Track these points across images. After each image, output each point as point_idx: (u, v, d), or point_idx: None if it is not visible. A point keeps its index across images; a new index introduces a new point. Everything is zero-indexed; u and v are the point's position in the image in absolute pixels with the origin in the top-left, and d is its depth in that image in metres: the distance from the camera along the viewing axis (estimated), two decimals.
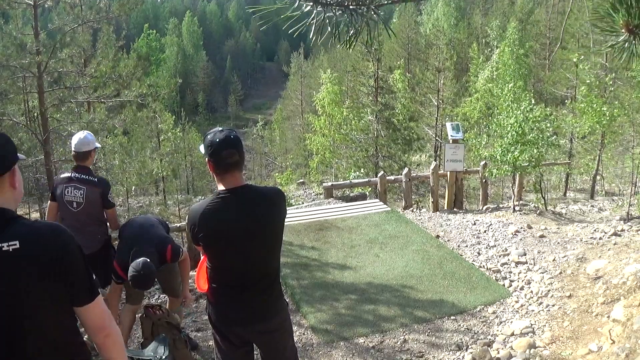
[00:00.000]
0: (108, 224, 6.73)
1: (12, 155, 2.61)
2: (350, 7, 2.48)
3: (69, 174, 6.48)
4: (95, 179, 6.53)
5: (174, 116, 40.94)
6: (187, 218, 3.98)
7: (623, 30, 2.24)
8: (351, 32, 2.54)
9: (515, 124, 12.32)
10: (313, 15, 2.46)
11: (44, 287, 2.47)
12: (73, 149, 6.49)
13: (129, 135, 28.50)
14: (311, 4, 2.45)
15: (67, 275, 2.52)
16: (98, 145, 6.76)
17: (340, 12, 2.49)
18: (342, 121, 34.56)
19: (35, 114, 20.53)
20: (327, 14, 2.48)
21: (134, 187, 30.19)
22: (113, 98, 21.55)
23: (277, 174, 22.79)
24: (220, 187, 3.77)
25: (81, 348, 2.76)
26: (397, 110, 35.62)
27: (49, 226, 2.60)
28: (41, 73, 18.12)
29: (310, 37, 2.53)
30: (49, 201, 6.68)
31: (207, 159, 3.77)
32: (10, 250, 2.38)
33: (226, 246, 3.78)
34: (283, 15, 2.57)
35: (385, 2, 2.60)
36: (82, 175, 6.44)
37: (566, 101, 31.00)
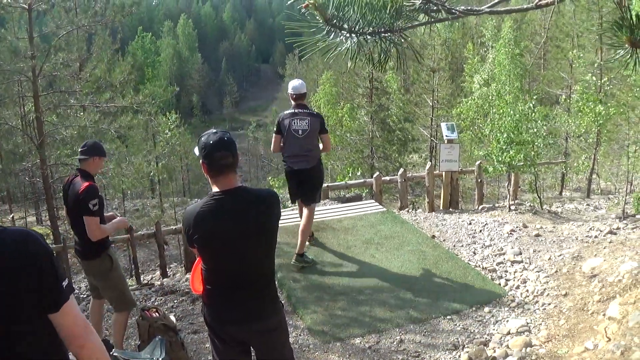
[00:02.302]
0: (321, 146, 8.78)
1: None
2: (381, 34, 2.68)
3: (292, 110, 8.56)
4: (314, 112, 8.86)
5: (175, 115, 40.89)
6: (182, 220, 4.00)
7: (627, 45, 2.55)
8: (381, 56, 2.75)
9: (512, 123, 12.35)
10: (347, 45, 2.70)
11: (14, 298, 2.39)
12: (292, 92, 8.65)
13: (124, 139, 28.49)
14: (347, 33, 2.66)
15: (36, 283, 2.43)
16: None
17: (371, 38, 2.70)
18: (337, 122, 34.57)
19: (31, 118, 20.54)
20: (359, 40, 2.68)
21: (129, 191, 30.19)
22: (108, 103, 21.55)
23: (270, 177, 22.92)
24: (215, 189, 3.79)
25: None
26: (392, 112, 35.63)
27: (17, 234, 2.50)
28: (36, 77, 18.12)
29: (348, 65, 2.74)
30: (274, 134, 8.78)
31: (201, 161, 3.79)
32: None
33: (221, 247, 3.80)
34: (320, 44, 2.72)
35: (410, 25, 2.82)
36: (304, 110, 8.57)
37: (560, 100, 31.03)
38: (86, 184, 5.78)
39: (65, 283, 2.55)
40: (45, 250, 2.51)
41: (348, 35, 2.65)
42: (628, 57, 2.59)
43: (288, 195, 9.65)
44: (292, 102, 8.67)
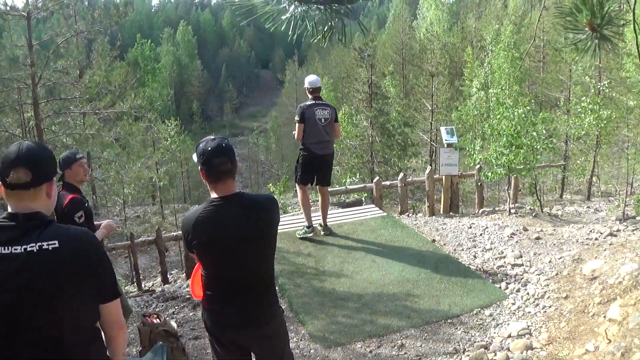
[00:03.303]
0: (334, 133, 9.76)
1: (53, 168, 2.92)
2: (326, 4, 2.56)
3: (311, 102, 9.47)
4: (329, 103, 9.93)
5: (175, 121, 40.91)
6: (181, 226, 4.00)
7: (587, 29, 2.39)
8: (326, 28, 2.61)
9: (511, 126, 12.34)
10: (290, 11, 2.52)
11: (79, 285, 2.73)
12: (309, 86, 9.60)
13: (124, 145, 28.50)
14: (292, 1, 2.55)
15: (99, 275, 2.81)
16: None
17: (315, 8, 2.57)
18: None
19: (31, 125, 20.51)
20: (303, 9, 2.54)
21: (130, 197, 30.21)
22: (108, 109, 21.53)
23: (270, 184, 23.05)
24: (213, 195, 3.80)
25: (100, 344, 3.01)
26: (391, 116, 35.62)
27: (83, 231, 2.89)
28: (35, 85, 18.10)
29: (289, 32, 2.60)
30: (297, 123, 9.43)
31: (199, 167, 3.79)
32: (50, 248, 2.62)
33: (220, 253, 3.80)
34: (261, 11, 2.63)
35: None
36: (322, 102, 9.61)
37: (558, 103, 31.00)
38: (70, 196, 5.77)
39: (114, 280, 2.98)
40: (103, 247, 2.98)
41: (293, 2, 2.58)
42: (588, 41, 2.51)
43: (288, 201, 10.02)
44: (309, 95, 9.60)
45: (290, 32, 2.64)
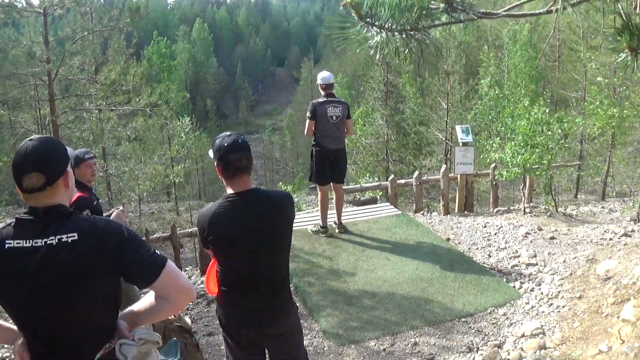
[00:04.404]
0: (346, 129, 9.86)
1: (65, 160, 2.82)
2: (407, 31, 3.10)
3: (324, 99, 9.55)
4: (342, 99, 10.17)
5: (188, 118, 40.92)
6: (197, 222, 4.02)
7: (627, 50, 2.89)
8: (406, 51, 3.18)
9: (527, 126, 12.32)
10: (376, 39, 3.11)
11: (99, 276, 2.67)
12: (322, 82, 9.63)
13: (140, 142, 28.57)
14: (377, 29, 3.08)
15: (122, 264, 2.69)
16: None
17: (398, 35, 3.11)
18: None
19: (47, 121, 20.61)
20: (386, 37, 3.11)
21: (145, 194, 30.27)
22: (124, 106, 21.60)
23: (281, 182, 23.10)
24: (229, 191, 3.83)
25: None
26: (406, 115, 35.54)
27: (105, 221, 2.81)
28: (51, 81, 18.18)
29: (375, 56, 3.10)
30: (308, 120, 9.59)
31: (215, 163, 3.83)
32: (69, 241, 2.59)
33: (235, 249, 3.82)
34: (353, 37, 3.14)
35: (432, 24, 3.18)
36: (334, 99, 9.69)
37: (572, 103, 30.94)
38: (78, 195, 5.75)
39: (149, 257, 2.77)
40: (130, 232, 2.81)
41: (378, 31, 3.03)
42: (628, 60, 2.85)
43: (303, 199, 10.04)
44: (322, 92, 9.66)
45: (377, 55, 3.22)
